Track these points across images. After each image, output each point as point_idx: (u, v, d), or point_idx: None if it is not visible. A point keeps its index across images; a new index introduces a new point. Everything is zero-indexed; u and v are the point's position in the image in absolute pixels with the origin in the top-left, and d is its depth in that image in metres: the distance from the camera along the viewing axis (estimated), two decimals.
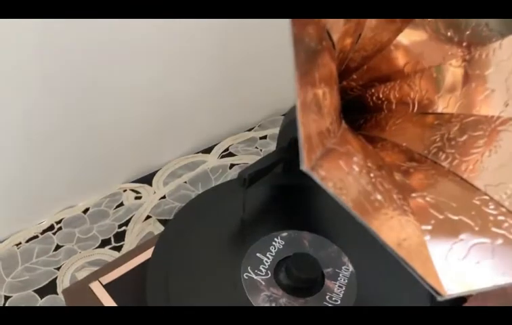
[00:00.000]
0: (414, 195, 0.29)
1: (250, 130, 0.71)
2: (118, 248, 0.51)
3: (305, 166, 0.21)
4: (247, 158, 0.65)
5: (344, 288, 0.37)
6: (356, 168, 0.25)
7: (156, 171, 0.61)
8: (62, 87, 0.49)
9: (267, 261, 0.38)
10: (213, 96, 0.64)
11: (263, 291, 0.36)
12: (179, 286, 0.36)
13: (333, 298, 0.36)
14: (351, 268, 0.39)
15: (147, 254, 0.41)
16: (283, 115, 0.74)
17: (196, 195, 0.44)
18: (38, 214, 0.53)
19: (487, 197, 0.31)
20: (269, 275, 0.38)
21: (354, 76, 0.40)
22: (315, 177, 0.21)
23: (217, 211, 0.42)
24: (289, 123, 0.45)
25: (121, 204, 0.56)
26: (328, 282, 0.38)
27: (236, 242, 0.41)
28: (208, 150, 0.66)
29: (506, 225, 0.29)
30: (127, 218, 0.54)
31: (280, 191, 0.46)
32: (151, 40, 0.53)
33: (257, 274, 0.37)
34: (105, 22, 0.47)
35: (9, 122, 0.47)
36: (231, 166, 0.64)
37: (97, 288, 0.38)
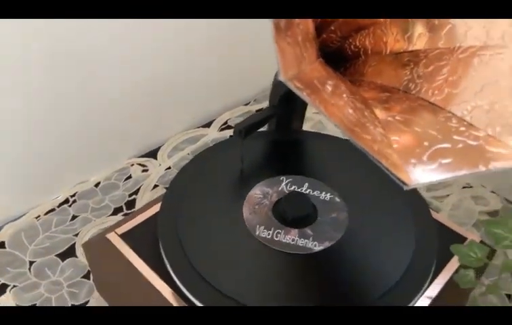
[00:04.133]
0: (384, 114, 0.33)
1: (246, 104, 0.75)
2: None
3: (281, 76, 0.25)
4: None
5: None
6: (329, 88, 0.29)
7: (160, 146, 0.66)
8: (67, 67, 0.53)
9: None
10: (211, 73, 0.68)
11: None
12: (186, 225, 0.41)
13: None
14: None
15: (156, 207, 0.45)
16: None
17: (189, 160, 0.48)
18: (53, 190, 0.57)
19: (450, 114, 0.35)
20: (268, 211, 0.42)
21: (332, 28, 0.44)
22: (292, 85, 0.25)
23: (218, 164, 0.47)
24: (277, 82, 0.49)
25: (129, 177, 0.60)
26: (320, 210, 0.42)
27: (237, 187, 0.45)
28: (207, 125, 0.70)
29: (466, 134, 0.33)
30: (136, 188, 0.59)
31: (273, 144, 0.50)
32: (151, 20, 0.58)
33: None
34: None
35: (19, 107, 0.51)
36: (231, 137, 0.68)
37: (114, 238, 0.42)
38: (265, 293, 0.37)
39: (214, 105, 0.72)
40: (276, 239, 0.40)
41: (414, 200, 0.44)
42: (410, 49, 0.41)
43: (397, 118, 0.33)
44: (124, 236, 0.42)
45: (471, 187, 0.61)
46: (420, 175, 0.28)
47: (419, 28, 0.41)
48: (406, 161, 0.29)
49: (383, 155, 0.28)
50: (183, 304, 0.36)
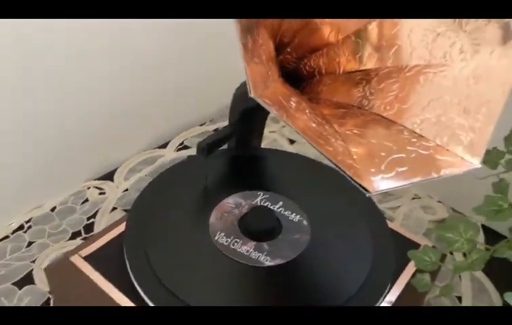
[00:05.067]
0: (342, 129, 0.35)
1: (202, 124, 0.76)
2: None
3: (252, 94, 0.26)
4: None
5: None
6: (293, 105, 0.31)
7: (117, 168, 0.65)
8: (21, 91, 0.52)
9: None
10: (166, 95, 0.69)
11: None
12: (153, 240, 0.41)
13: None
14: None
15: (119, 228, 0.45)
16: None
17: (153, 178, 0.49)
18: (6, 216, 0.55)
19: (402, 127, 0.37)
20: (234, 220, 0.43)
21: (288, 50, 0.47)
22: (261, 102, 0.27)
23: (183, 180, 0.47)
24: (238, 98, 0.50)
25: (86, 200, 0.60)
26: (285, 229, 0.43)
27: (207, 197, 0.46)
28: (164, 145, 0.71)
29: (417, 144, 0.36)
30: (94, 211, 0.58)
31: (235, 161, 0.52)
32: (106, 42, 0.58)
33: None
34: (61, 22, 0.51)
35: None
36: (189, 157, 0.69)
37: (78, 261, 0.41)
38: (207, 295, 0.38)
39: (170, 126, 0.72)
40: (232, 247, 0.41)
41: (371, 212, 0.46)
42: (362, 68, 0.44)
43: (354, 131, 0.36)
44: (89, 258, 0.42)
45: (419, 198, 0.64)
46: (380, 183, 0.30)
47: (368, 48, 0.44)
48: (367, 170, 0.31)
49: (346, 165, 0.30)
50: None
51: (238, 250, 0.41)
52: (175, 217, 0.44)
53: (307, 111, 0.32)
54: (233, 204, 0.45)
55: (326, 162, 0.49)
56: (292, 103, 0.31)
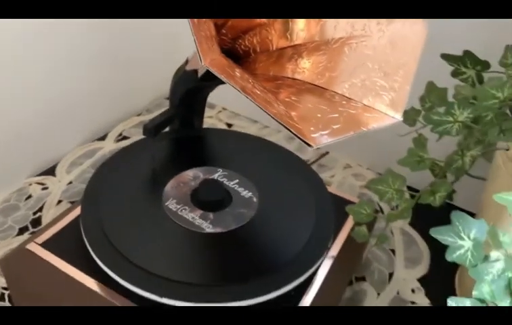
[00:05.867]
0: (281, 97, 0.39)
1: (139, 115, 0.77)
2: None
3: (203, 62, 0.29)
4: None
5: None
6: (238, 75, 0.34)
7: (57, 163, 0.65)
8: None
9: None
10: (102, 87, 0.70)
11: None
12: (110, 220, 0.43)
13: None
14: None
15: (74, 213, 0.46)
16: (166, 99, 0.82)
17: (102, 162, 0.50)
18: None
19: (333, 93, 0.42)
20: (188, 190, 0.46)
21: (224, 31, 0.50)
22: (213, 70, 0.30)
23: (130, 164, 0.49)
24: (178, 81, 0.53)
25: (30, 196, 0.59)
26: (234, 203, 0.46)
27: (153, 180, 0.48)
28: (103, 138, 0.71)
29: (347, 106, 0.40)
30: (39, 206, 0.58)
31: (180, 141, 0.54)
32: (39, 37, 0.58)
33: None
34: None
35: None
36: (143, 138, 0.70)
37: (36, 248, 0.42)
38: (152, 255, 0.41)
39: (107, 118, 0.73)
40: (180, 213, 0.44)
41: (312, 179, 0.51)
42: (292, 44, 0.48)
43: (292, 98, 0.39)
44: (46, 244, 0.43)
45: (351, 167, 0.70)
46: (320, 139, 0.34)
47: (297, 26, 0.48)
48: (307, 129, 0.35)
49: (291, 125, 0.33)
50: (118, 298, 0.39)
51: (185, 216, 0.44)
52: (131, 190, 0.46)
53: (250, 81, 0.36)
54: (192, 176, 0.48)
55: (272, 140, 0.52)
56: (237, 73, 0.35)
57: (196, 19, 0.32)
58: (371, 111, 0.39)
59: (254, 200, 0.47)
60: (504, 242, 0.30)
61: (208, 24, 0.37)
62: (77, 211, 0.45)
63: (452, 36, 0.51)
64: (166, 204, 0.45)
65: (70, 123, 0.67)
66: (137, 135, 0.72)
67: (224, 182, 0.48)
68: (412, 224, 0.61)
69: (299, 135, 0.32)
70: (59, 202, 0.59)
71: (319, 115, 0.37)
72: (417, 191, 0.42)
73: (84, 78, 0.66)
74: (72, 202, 0.59)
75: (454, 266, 0.56)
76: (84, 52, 0.65)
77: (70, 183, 0.62)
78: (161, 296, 0.37)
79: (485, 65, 0.46)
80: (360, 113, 0.39)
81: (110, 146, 0.70)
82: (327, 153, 0.72)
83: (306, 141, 0.33)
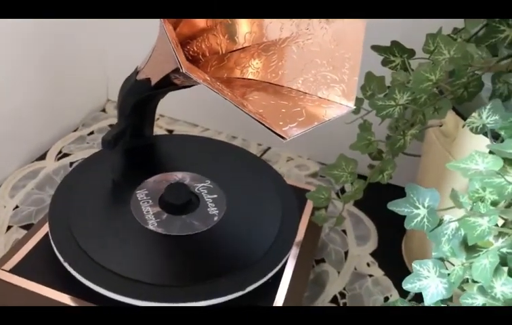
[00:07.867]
0: (244, 96, 0.41)
1: (75, 130, 0.75)
2: None
3: (184, 69, 0.31)
4: (83, 154, 0.70)
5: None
6: (208, 78, 0.36)
7: None
8: None
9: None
10: (35, 106, 0.67)
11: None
12: (81, 235, 0.43)
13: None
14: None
15: (40, 233, 0.45)
16: (102, 111, 0.80)
17: (62, 178, 0.49)
18: None
19: (289, 89, 0.45)
20: (155, 199, 0.47)
21: None
22: (193, 76, 0.31)
23: (90, 177, 0.49)
24: (128, 92, 0.53)
25: None
26: (201, 206, 0.48)
27: (119, 190, 0.49)
28: (42, 157, 0.69)
29: (305, 99, 0.43)
30: None
31: (136, 151, 0.54)
32: None
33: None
34: None
35: None
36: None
37: (4, 275, 0.41)
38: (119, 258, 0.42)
39: (44, 137, 0.71)
40: (145, 217, 0.46)
41: (274, 176, 0.54)
42: (242, 46, 0.50)
43: (255, 97, 0.42)
44: (16, 269, 0.41)
45: (292, 159, 0.74)
46: (290, 131, 0.37)
47: (244, 29, 0.51)
48: (277, 123, 0.37)
49: (264, 121, 0.36)
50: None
51: (152, 220, 0.45)
52: (98, 201, 0.47)
53: (218, 83, 0.38)
54: (162, 180, 0.49)
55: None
56: (207, 77, 0.36)
57: (169, 25, 0.33)
58: (328, 102, 0.43)
59: (223, 201, 0.49)
60: (464, 202, 0.34)
61: (170, 32, 0.38)
62: (42, 231, 0.44)
63: (380, 27, 0.56)
64: (135, 209, 0.45)
65: (6, 146, 0.64)
66: (78, 151, 0.71)
67: (191, 185, 0.50)
68: (357, 205, 0.66)
69: (273, 129, 0.35)
70: (9, 227, 0.57)
71: (283, 110, 0.40)
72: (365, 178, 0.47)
73: (17, 98, 0.64)
74: (23, 226, 0.57)
75: (399, 238, 0.62)
76: (16, 71, 0.63)
77: (17, 207, 0.60)
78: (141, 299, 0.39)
79: (411, 53, 0.51)
80: (319, 105, 0.42)
81: (52, 165, 0.68)
82: (269, 148, 0.76)
83: (280, 134, 0.35)
